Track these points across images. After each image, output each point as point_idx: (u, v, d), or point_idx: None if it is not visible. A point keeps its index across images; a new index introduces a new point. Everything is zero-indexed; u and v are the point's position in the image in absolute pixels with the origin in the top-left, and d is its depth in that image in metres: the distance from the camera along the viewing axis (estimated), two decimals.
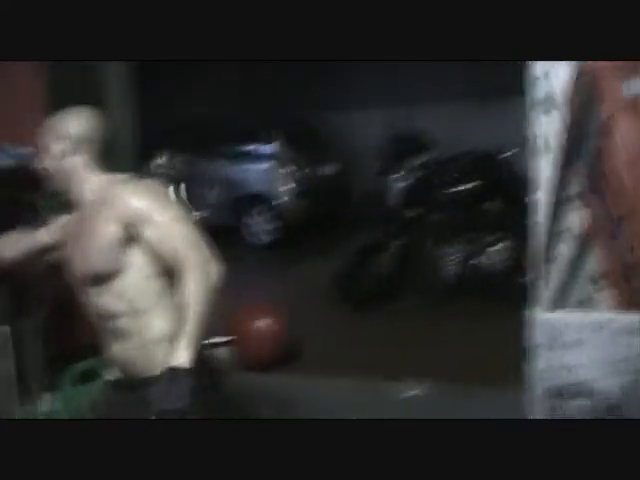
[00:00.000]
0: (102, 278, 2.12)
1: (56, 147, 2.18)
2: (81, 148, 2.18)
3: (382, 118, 7.32)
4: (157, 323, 2.13)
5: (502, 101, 8.37)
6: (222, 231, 8.58)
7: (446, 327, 5.35)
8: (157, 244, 2.07)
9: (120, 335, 2.15)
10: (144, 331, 2.12)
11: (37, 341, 3.57)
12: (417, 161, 5.92)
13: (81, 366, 3.55)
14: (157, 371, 2.00)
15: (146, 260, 2.11)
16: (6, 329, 3.48)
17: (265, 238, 8.80)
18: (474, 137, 8.02)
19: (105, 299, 2.14)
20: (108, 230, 2.08)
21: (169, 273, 2.08)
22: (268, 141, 8.73)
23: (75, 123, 2.19)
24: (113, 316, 2.14)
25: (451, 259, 5.74)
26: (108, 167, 2.25)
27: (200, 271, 2.01)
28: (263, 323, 4.91)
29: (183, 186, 4.10)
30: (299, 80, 9.69)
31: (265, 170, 8.72)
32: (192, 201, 5.47)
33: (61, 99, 3.99)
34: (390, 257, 5.86)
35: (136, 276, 2.11)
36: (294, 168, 8.67)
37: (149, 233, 2.07)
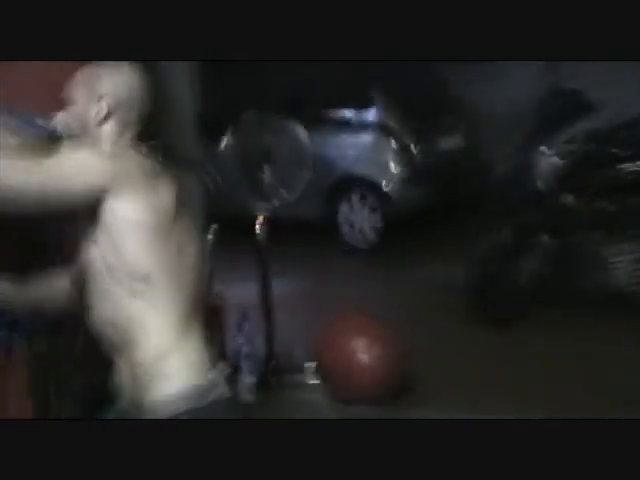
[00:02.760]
0: None
1: (87, 107, 2.35)
2: (118, 112, 2.35)
3: (528, 70, 7.38)
4: None
5: None
6: (312, 228, 8.87)
7: (613, 349, 5.43)
8: None
9: None
10: None
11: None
12: (578, 129, 6.01)
13: None
14: None
15: None
16: None
17: (370, 235, 8.94)
18: None
19: None
20: None
21: None
22: (372, 105, 8.77)
23: (115, 80, 2.34)
24: None
25: (622, 260, 5.82)
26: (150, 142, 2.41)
27: None
28: (369, 345, 5.06)
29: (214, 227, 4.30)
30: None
31: (369, 144, 8.86)
32: (269, 193, 5.78)
33: None
34: (540, 258, 6.03)
35: None
36: (408, 141, 8.77)
37: None
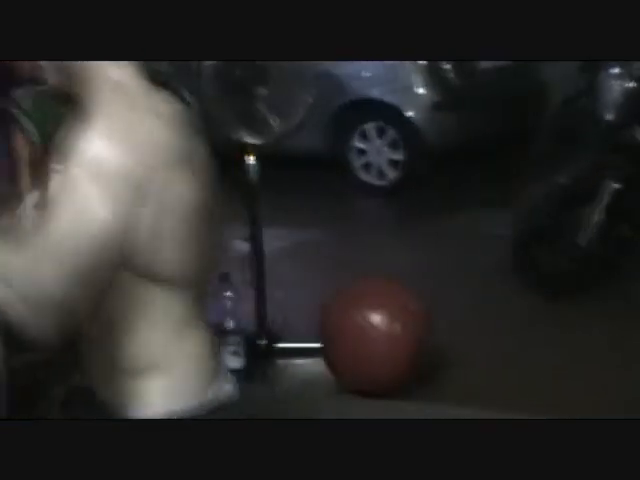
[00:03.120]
0: None
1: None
2: None
3: None
4: None
5: None
6: (319, 163, 8.92)
7: None
8: None
9: None
10: None
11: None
12: None
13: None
14: None
15: None
16: None
17: (390, 174, 8.58)
18: None
19: None
20: None
21: None
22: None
23: None
24: None
25: None
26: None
27: None
28: (389, 321, 4.73)
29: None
30: None
31: (385, 63, 8.16)
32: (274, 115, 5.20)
33: None
34: (606, 211, 5.65)
35: None
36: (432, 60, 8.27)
37: None
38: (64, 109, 3.15)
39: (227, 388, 2.21)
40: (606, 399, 4.48)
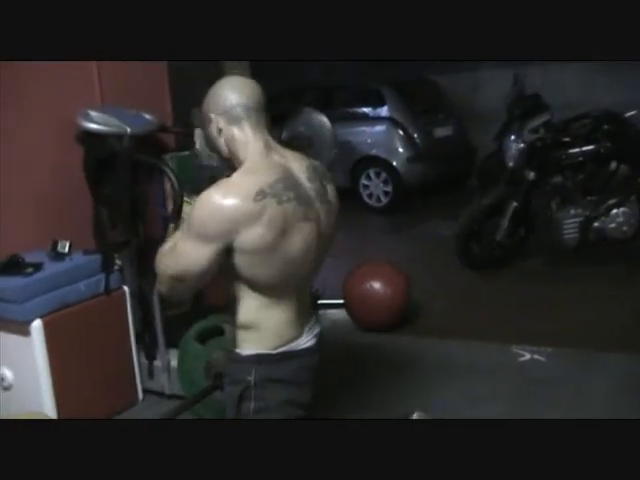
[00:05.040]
0: None
1: (211, 127, 1.99)
2: (233, 117, 1.96)
3: (502, 78, 7.13)
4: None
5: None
6: (344, 193, 8.86)
7: (565, 291, 5.22)
8: None
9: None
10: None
11: (159, 299, 3.58)
12: (538, 122, 5.65)
13: (202, 324, 3.54)
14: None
15: None
16: (125, 289, 3.58)
17: (383, 200, 8.70)
18: (597, 97, 7.80)
19: None
20: None
21: None
22: (384, 103, 8.61)
23: (221, 95, 1.97)
24: None
25: (573, 222, 5.57)
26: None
27: None
28: (381, 284, 4.75)
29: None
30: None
31: (382, 132, 8.60)
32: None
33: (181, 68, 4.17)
34: (510, 219, 5.74)
35: None
36: (411, 131, 8.49)
37: None
38: (197, 168, 3.52)
39: (305, 342, 2.03)
40: (506, 329, 4.62)
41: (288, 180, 1.90)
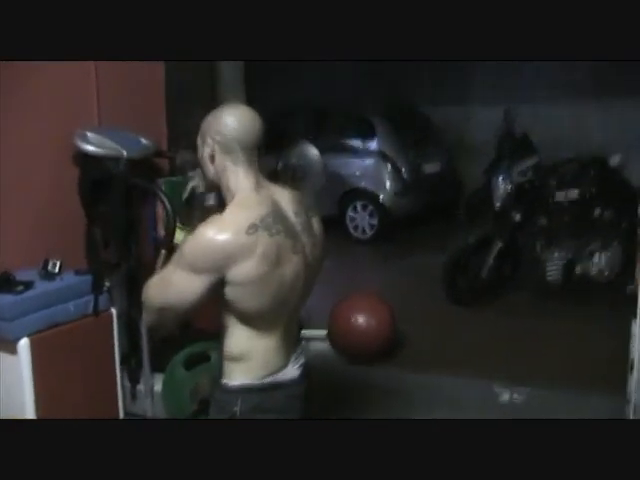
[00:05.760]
0: None
1: (205, 148, 2.01)
2: (230, 148, 1.97)
3: (492, 117, 7.20)
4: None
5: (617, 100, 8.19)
6: (331, 223, 8.75)
7: (551, 325, 5.27)
8: None
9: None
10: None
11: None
12: (527, 164, 5.73)
13: (190, 350, 3.57)
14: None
15: None
16: (112, 311, 3.55)
17: (369, 232, 8.69)
18: (586, 134, 7.93)
19: None
20: None
21: None
22: (375, 135, 8.58)
23: (222, 123, 1.97)
24: None
25: (556, 263, 5.64)
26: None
27: None
28: (366, 317, 4.74)
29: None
30: (407, 76, 9.59)
31: (371, 166, 8.59)
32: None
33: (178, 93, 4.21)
34: (496, 257, 5.77)
35: None
36: (399, 165, 8.50)
37: None
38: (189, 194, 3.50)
39: (291, 372, 2.05)
40: (488, 364, 4.66)
41: (277, 213, 1.95)
